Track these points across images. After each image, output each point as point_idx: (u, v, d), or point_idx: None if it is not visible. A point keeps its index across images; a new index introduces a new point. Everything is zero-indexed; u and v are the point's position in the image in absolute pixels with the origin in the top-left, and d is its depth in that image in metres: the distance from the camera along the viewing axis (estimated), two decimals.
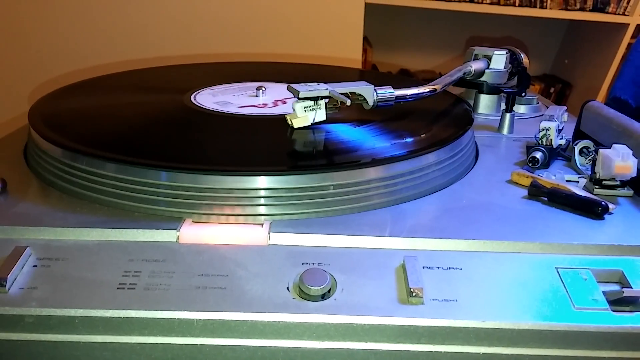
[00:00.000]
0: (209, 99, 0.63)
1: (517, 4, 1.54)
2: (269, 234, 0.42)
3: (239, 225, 0.43)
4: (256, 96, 0.65)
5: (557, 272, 0.40)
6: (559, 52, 1.87)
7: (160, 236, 0.42)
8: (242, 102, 0.62)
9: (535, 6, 1.56)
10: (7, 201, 0.46)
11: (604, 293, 0.38)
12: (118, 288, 0.37)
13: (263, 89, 0.65)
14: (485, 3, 1.52)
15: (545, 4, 1.55)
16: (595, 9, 1.57)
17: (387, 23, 1.71)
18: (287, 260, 0.40)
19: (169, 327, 0.36)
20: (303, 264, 0.40)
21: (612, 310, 0.37)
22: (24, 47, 1.15)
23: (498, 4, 1.53)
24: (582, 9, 1.57)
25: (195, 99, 0.63)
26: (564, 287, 0.38)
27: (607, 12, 1.56)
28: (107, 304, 0.36)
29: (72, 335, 0.36)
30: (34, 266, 0.39)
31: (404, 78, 1.40)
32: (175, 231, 0.42)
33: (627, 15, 1.54)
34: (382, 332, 0.36)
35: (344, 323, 0.36)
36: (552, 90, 1.79)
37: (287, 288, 0.38)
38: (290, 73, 0.84)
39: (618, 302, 0.37)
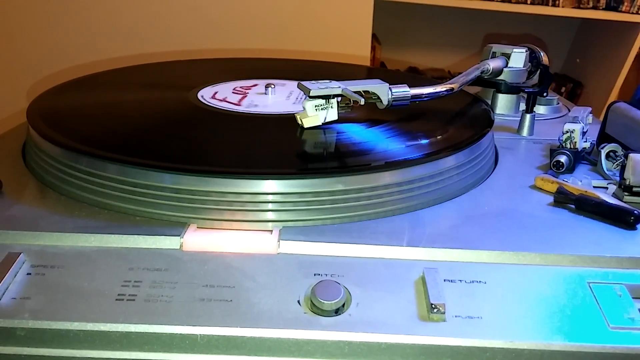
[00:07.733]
0: (215, 96, 0.61)
1: (528, 2, 1.51)
2: (278, 241, 0.39)
3: (246, 232, 0.41)
4: (265, 94, 0.62)
5: (589, 287, 0.37)
6: (571, 51, 1.84)
7: (162, 243, 0.39)
8: (250, 100, 0.60)
9: (547, 4, 1.52)
10: (2, 203, 0.44)
11: None
12: (117, 299, 0.35)
13: (272, 86, 0.62)
14: (497, 1, 1.49)
15: (557, 2, 1.51)
16: (608, 7, 1.54)
17: (397, 20, 1.68)
18: (298, 271, 0.37)
19: (171, 343, 0.33)
20: (315, 275, 0.37)
21: None
22: (24, 41, 1.12)
23: (509, 1, 1.50)
24: (595, 8, 1.54)
25: (201, 96, 0.60)
26: (597, 303, 0.36)
27: (621, 11, 1.52)
28: (105, 317, 0.34)
29: (67, 349, 0.34)
30: (27, 274, 0.36)
31: (413, 75, 1.37)
32: (178, 237, 0.39)
33: None
34: (401, 352, 0.33)
35: (359, 341, 0.33)
36: (563, 89, 1.76)
37: (298, 301, 0.35)
38: (299, 70, 0.81)
39: None
